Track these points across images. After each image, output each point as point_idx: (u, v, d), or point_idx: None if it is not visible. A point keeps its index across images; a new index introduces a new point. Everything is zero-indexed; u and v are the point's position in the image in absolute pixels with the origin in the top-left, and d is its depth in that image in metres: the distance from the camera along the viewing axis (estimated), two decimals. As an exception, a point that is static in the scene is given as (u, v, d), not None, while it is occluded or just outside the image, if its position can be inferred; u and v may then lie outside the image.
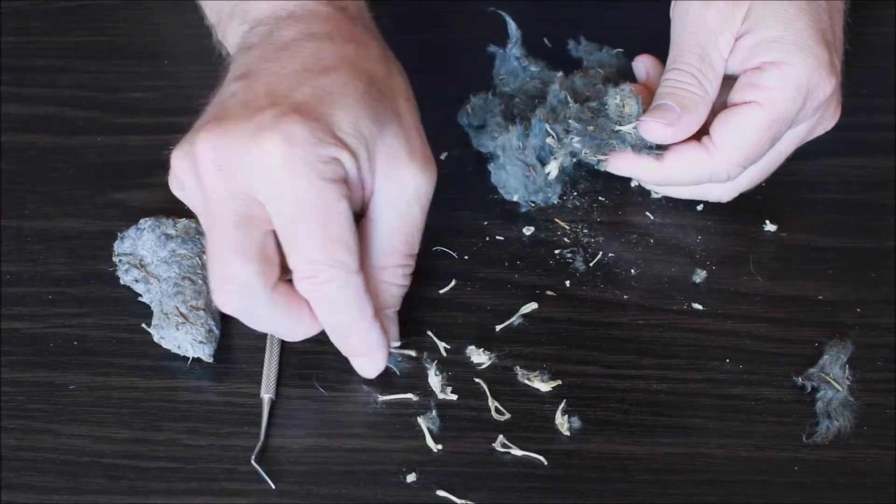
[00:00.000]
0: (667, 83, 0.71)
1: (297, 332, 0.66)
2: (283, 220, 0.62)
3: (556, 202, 0.75)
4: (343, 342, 0.66)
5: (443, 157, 0.77)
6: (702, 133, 0.71)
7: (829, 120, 0.73)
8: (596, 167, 0.73)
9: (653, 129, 0.70)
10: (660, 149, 0.71)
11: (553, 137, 0.72)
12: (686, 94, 0.70)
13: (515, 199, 0.75)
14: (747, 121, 0.70)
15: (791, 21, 0.69)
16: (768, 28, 0.70)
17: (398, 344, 0.68)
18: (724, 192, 0.74)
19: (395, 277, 0.67)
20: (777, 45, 0.69)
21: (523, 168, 0.73)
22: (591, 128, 0.71)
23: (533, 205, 0.75)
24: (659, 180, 0.73)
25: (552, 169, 0.73)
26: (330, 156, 0.62)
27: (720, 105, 0.72)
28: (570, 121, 0.72)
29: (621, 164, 0.73)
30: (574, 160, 0.74)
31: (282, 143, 0.61)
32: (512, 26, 0.78)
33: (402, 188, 0.65)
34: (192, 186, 0.64)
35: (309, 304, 0.64)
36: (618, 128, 0.71)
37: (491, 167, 0.74)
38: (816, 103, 0.70)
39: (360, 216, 0.65)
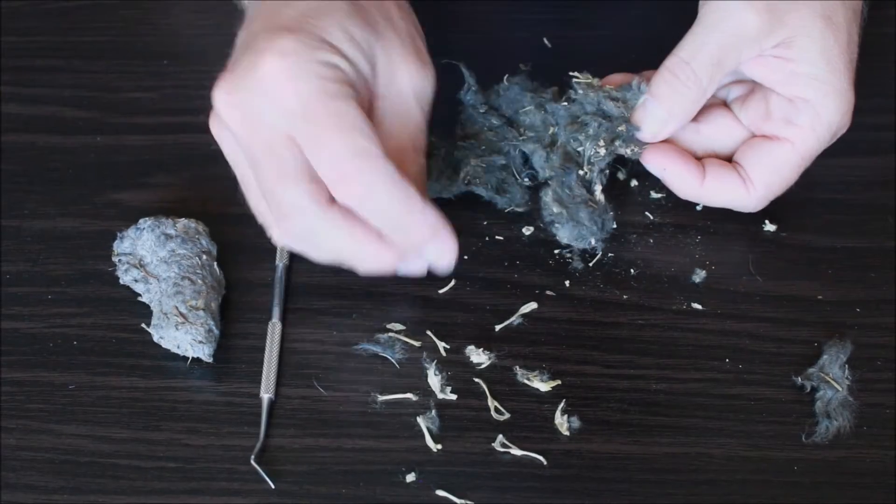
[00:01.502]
0: (668, 78, 0.70)
1: (367, 256, 0.66)
2: (298, 131, 0.63)
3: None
4: (404, 235, 0.66)
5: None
6: (730, 155, 0.73)
7: (846, 117, 0.74)
8: (634, 157, 0.73)
9: (642, 136, 0.72)
10: None
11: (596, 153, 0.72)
12: (679, 100, 0.70)
13: (593, 242, 0.72)
14: (781, 161, 0.71)
15: (833, 62, 0.69)
16: (811, 65, 0.69)
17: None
18: (753, 203, 0.74)
19: (408, 171, 0.66)
20: (816, 84, 0.70)
21: (587, 208, 0.72)
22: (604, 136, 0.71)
23: (602, 242, 0.73)
24: (691, 196, 0.73)
25: (599, 192, 0.73)
26: (325, 60, 0.63)
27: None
28: (588, 132, 0.72)
29: (662, 161, 0.72)
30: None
31: (275, 59, 0.62)
32: (465, 75, 0.76)
33: (402, 91, 0.66)
34: (227, 141, 0.66)
35: (372, 228, 0.64)
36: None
37: (558, 231, 0.72)
38: (838, 136, 0.72)
39: None
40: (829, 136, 0.71)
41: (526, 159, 0.74)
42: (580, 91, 0.72)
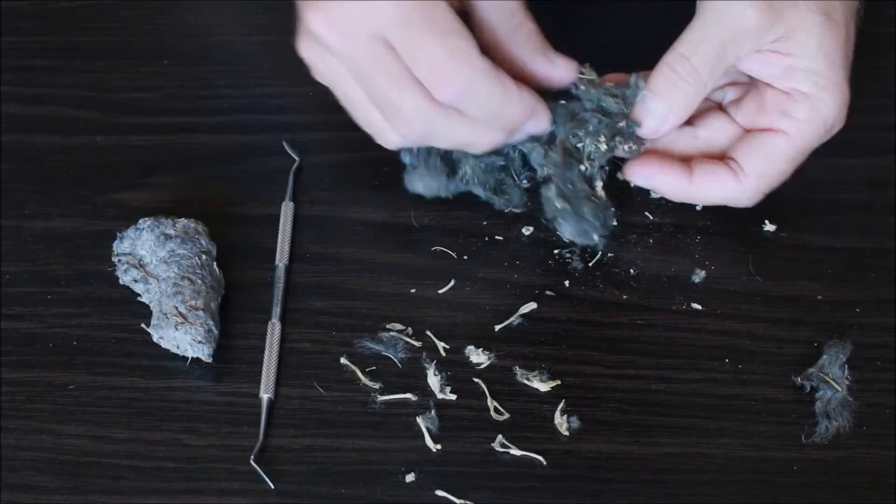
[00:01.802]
0: (667, 74, 0.70)
1: (482, 139, 0.69)
2: (396, 37, 0.65)
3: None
4: (504, 122, 0.69)
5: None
6: (728, 158, 0.72)
7: (843, 112, 0.74)
8: (631, 156, 0.73)
9: (642, 133, 0.71)
10: None
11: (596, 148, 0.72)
12: (679, 96, 0.70)
13: (596, 238, 0.72)
14: (776, 151, 0.71)
15: (831, 56, 0.70)
16: (809, 59, 0.69)
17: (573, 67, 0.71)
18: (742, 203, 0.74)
19: (524, 34, 0.70)
20: (814, 78, 0.70)
21: (590, 203, 0.71)
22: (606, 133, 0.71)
23: (604, 238, 0.73)
24: (683, 197, 0.73)
25: (600, 188, 0.72)
26: None
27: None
28: (588, 128, 0.72)
29: (646, 171, 0.72)
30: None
31: None
32: None
33: None
34: (328, 61, 0.67)
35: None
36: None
37: (561, 227, 0.72)
38: (830, 136, 0.72)
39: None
40: (825, 131, 0.71)
41: (525, 161, 0.74)
42: (581, 87, 0.72)
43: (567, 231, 0.71)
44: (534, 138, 0.73)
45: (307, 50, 0.68)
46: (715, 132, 0.73)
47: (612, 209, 0.72)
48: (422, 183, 0.73)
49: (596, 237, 0.71)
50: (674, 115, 0.71)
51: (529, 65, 0.70)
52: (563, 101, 0.73)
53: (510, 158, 0.73)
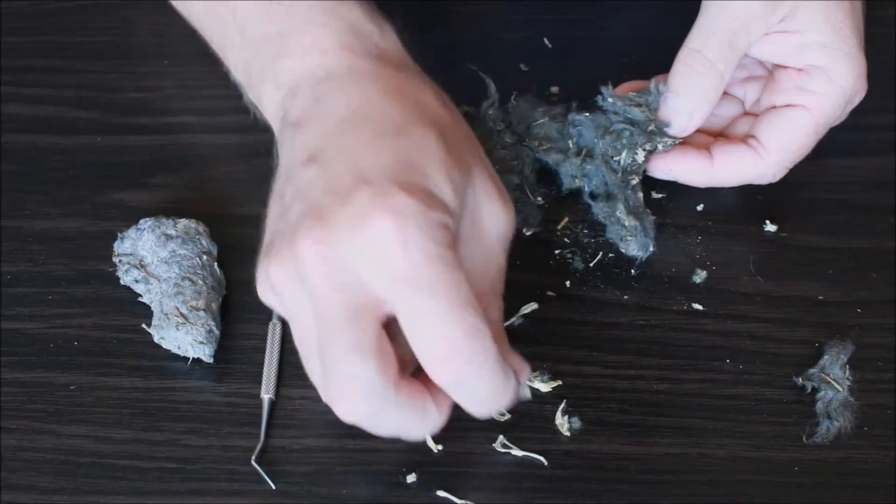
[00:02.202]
0: (684, 67, 0.71)
1: (424, 429, 0.59)
2: (405, 300, 0.55)
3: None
4: (488, 410, 0.59)
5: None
6: (745, 133, 0.73)
7: (860, 82, 0.74)
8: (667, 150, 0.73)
9: (672, 132, 0.72)
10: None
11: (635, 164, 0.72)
12: (699, 90, 0.71)
13: (651, 249, 0.72)
14: (796, 125, 0.71)
15: (839, 27, 0.70)
16: (817, 32, 0.70)
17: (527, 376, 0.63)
18: (763, 181, 0.74)
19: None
20: (826, 51, 0.70)
21: (648, 217, 0.73)
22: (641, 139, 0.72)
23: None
24: (707, 182, 0.74)
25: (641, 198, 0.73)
26: (439, 222, 0.56)
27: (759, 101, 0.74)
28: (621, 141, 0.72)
29: (666, 164, 0.73)
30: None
31: (393, 220, 0.55)
32: (491, 87, 0.76)
33: (486, 233, 0.60)
34: (293, 292, 0.57)
35: (430, 393, 0.58)
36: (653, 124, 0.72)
37: (630, 245, 0.72)
38: (852, 107, 0.72)
39: None
40: (844, 101, 0.71)
41: (539, 178, 0.74)
42: (609, 99, 0.72)
43: (634, 248, 0.72)
44: (559, 150, 0.73)
45: (279, 265, 0.57)
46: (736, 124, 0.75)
47: (653, 217, 0.73)
48: None
49: (651, 248, 0.72)
50: (699, 111, 0.71)
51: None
52: (586, 114, 0.73)
53: (525, 176, 0.73)
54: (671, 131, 0.72)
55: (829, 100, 0.71)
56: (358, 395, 0.56)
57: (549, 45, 0.83)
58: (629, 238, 0.72)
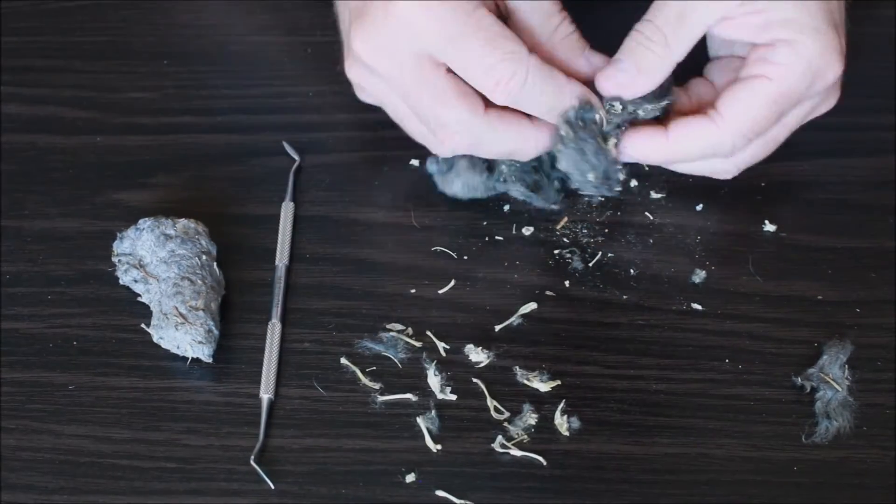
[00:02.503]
0: (635, 36, 0.71)
1: (529, 145, 0.71)
2: (446, 54, 0.67)
3: (619, 190, 0.74)
4: (558, 113, 0.70)
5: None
6: (707, 107, 0.71)
7: (830, 100, 0.73)
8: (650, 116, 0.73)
9: (606, 87, 0.71)
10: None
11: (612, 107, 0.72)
12: (647, 55, 0.70)
13: (591, 179, 0.71)
14: (755, 93, 0.70)
15: (805, 3, 0.69)
16: (781, 9, 0.69)
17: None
18: (727, 168, 0.73)
19: (563, 35, 0.71)
20: (790, 24, 0.69)
21: (596, 145, 0.71)
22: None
23: (602, 197, 0.74)
24: (666, 156, 0.72)
25: (612, 145, 0.72)
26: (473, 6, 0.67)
27: (725, 83, 0.72)
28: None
29: (623, 142, 0.72)
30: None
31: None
32: None
33: None
34: (370, 84, 0.71)
35: (525, 116, 0.70)
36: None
37: (559, 156, 0.71)
38: (824, 85, 0.71)
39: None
40: (811, 75, 0.70)
41: (553, 164, 0.74)
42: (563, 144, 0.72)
43: (564, 162, 0.71)
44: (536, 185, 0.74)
45: (352, 72, 0.71)
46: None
47: (620, 167, 0.72)
48: (461, 181, 0.74)
49: (591, 178, 0.71)
50: (643, 75, 0.70)
51: (569, 65, 0.71)
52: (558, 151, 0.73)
53: (541, 160, 0.73)
54: (610, 88, 0.71)
55: (792, 70, 0.69)
56: (455, 133, 0.70)
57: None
58: (560, 148, 0.70)
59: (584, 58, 0.72)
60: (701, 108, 0.72)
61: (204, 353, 0.68)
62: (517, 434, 0.65)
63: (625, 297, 0.71)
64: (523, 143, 0.71)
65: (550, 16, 0.71)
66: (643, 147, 0.72)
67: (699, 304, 0.71)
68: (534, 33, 0.71)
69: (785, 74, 0.70)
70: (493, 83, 0.68)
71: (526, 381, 0.67)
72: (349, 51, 0.70)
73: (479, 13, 0.67)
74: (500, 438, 0.65)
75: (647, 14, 0.71)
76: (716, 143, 0.71)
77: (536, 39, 0.71)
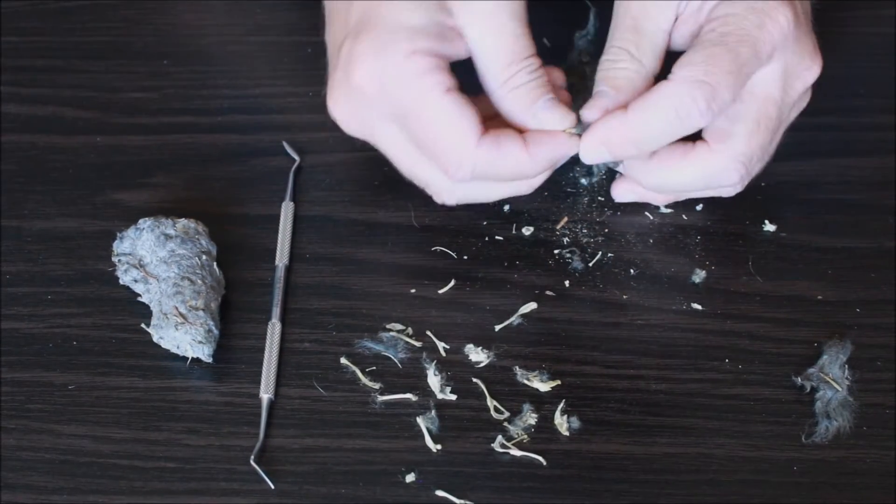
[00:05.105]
0: (603, 64, 0.70)
1: (522, 189, 0.71)
2: (405, 128, 0.67)
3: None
4: (527, 180, 0.70)
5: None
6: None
7: (808, 60, 0.70)
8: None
9: (590, 116, 0.69)
10: None
11: None
12: (619, 73, 0.69)
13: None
14: (699, 41, 0.68)
15: None
16: (728, 4, 0.68)
17: (572, 122, 0.68)
18: (728, 167, 0.70)
19: (516, 85, 0.67)
20: (734, 5, 0.68)
21: None
22: None
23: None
24: (630, 136, 0.68)
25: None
26: (406, 50, 0.65)
27: None
28: None
29: (591, 137, 0.69)
30: None
31: (361, 66, 0.66)
32: (591, 20, 0.78)
33: (482, 9, 0.67)
34: (354, 131, 0.70)
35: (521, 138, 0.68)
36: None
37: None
38: (777, 29, 0.67)
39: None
40: (755, 17, 0.67)
41: None
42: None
43: None
44: None
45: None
46: None
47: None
48: None
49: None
50: (622, 94, 0.68)
51: (515, 119, 0.69)
52: None
53: None
54: (589, 115, 0.69)
55: (732, 16, 0.67)
56: (443, 188, 0.71)
57: (549, 45, 0.83)
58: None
59: (531, 112, 0.68)
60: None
61: (204, 352, 0.68)
62: (517, 434, 0.65)
63: (625, 297, 0.71)
64: (516, 190, 0.71)
65: (508, 65, 0.67)
66: (606, 129, 0.68)
67: (699, 304, 0.71)
68: (487, 80, 0.68)
69: (725, 20, 0.67)
70: (444, 166, 0.67)
71: (526, 381, 0.67)
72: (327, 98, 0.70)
73: (429, 89, 0.65)
74: (500, 438, 0.65)
75: (607, 40, 0.70)
76: (675, 102, 0.66)
77: (489, 86, 0.68)
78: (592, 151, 0.69)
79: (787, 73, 0.69)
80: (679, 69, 0.67)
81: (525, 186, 0.71)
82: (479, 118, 0.67)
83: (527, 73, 0.68)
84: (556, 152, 0.68)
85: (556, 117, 0.68)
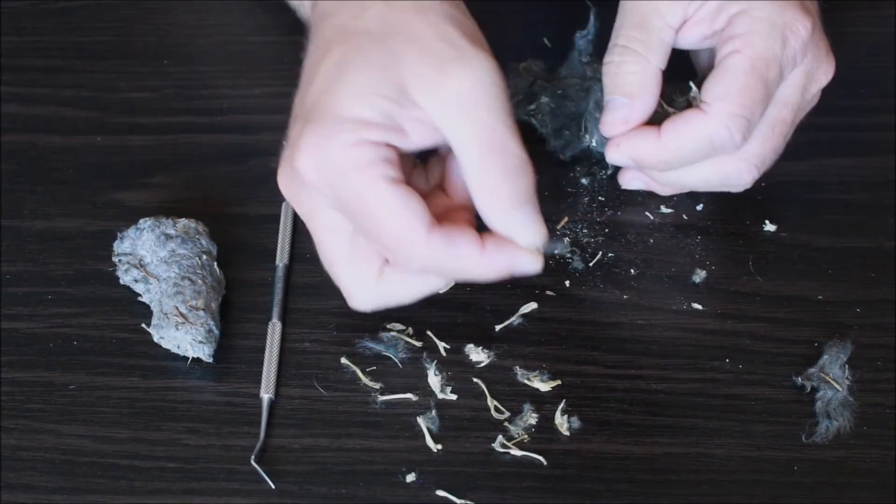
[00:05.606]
0: (608, 67, 0.70)
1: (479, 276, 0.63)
2: (347, 217, 0.63)
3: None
4: (471, 277, 0.63)
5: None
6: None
7: (824, 63, 0.71)
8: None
9: (610, 131, 0.70)
10: None
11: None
12: (628, 78, 0.69)
13: (594, 143, 0.73)
14: (729, 68, 0.68)
15: None
16: (736, 2, 0.68)
17: (543, 239, 0.62)
18: (739, 168, 0.71)
19: (498, 180, 0.61)
20: (743, 3, 0.68)
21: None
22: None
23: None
24: (660, 156, 0.70)
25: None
26: (350, 141, 0.60)
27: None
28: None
29: (617, 140, 0.70)
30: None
31: (303, 158, 0.62)
32: (591, 21, 0.77)
33: (455, 103, 0.60)
34: (305, 215, 0.66)
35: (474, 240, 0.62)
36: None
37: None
38: (800, 42, 0.68)
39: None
40: (778, 35, 0.68)
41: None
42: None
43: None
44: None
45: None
46: None
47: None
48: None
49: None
50: (635, 98, 0.69)
51: (491, 224, 0.62)
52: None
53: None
54: (611, 130, 0.70)
55: (756, 33, 0.67)
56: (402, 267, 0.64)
57: (549, 45, 0.83)
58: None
59: (503, 221, 0.62)
60: None
61: (204, 352, 0.68)
62: (517, 434, 0.65)
63: (625, 297, 0.71)
64: (473, 277, 0.63)
65: (484, 159, 0.61)
66: (635, 145, 0.70)
67: (699, 303, 0.71)
68: (463, 172, 0.62)
69: (751, 40, 0.68)
70: (394, 259, 0.63)
71: (526, 381, 0.67)
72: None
73: (379, 184, 0.60)
74: (500, 438, 0.65)
75: (612, 37, 0.70)
76: (710, 133, 0.68)
77: (465, 179, 0.62)
78: (619, 162, 0.72)
79: (805, 79, 0.71)
80: (715, 102, 0.68)
81: (442, 283, 0.66)
82: (427, 211, 0.61)
83: (505, 169, 0.61)
84: (514, 267, 0.62)
85: (527, 233, 0.62)
